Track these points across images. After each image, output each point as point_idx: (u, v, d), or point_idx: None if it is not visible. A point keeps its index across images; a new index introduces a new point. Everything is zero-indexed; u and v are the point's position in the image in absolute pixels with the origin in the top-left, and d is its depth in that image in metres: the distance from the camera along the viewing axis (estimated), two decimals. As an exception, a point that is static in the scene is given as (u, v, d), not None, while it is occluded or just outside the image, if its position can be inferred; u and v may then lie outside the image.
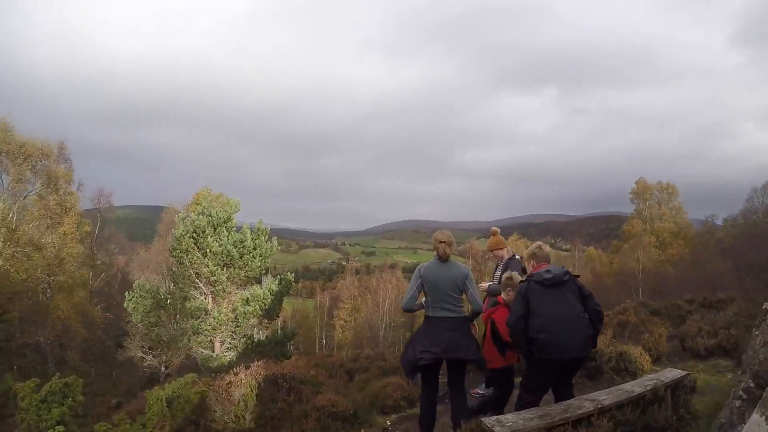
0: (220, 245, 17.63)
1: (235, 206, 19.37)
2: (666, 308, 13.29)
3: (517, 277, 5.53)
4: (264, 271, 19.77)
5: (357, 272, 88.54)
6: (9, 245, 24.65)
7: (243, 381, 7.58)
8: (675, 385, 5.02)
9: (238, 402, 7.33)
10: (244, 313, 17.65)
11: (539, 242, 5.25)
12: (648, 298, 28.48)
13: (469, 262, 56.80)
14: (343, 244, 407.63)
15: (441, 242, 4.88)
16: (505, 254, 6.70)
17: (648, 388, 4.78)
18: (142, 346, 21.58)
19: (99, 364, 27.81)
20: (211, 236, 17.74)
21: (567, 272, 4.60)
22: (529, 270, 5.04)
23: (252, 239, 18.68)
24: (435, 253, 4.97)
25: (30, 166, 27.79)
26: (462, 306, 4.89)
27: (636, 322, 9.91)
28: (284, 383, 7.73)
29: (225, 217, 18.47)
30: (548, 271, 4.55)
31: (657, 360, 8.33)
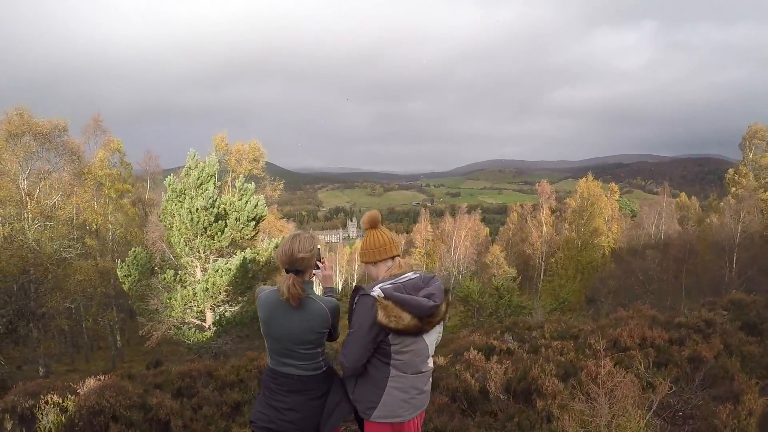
0: (188, 209, 15.54)
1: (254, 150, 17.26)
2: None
3: None
4: (249, 237, 16.96)
5: (440, 213, 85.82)
6: (37, 220, 26.81)
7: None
8: None
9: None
10: (205, 287, 15.76)
11: None
12: (742, 277, 23.03)
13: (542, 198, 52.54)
14: (428, 185, 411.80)
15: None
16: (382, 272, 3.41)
17: None
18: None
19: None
20: (189, 199, 15.78)
21: None
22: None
23: (229, 201, 16.50)
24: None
25: (51, 144, 29.34)
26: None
27: (716, 367, 5.63)
28: None
29: (205, 176, 16.16)
30: None
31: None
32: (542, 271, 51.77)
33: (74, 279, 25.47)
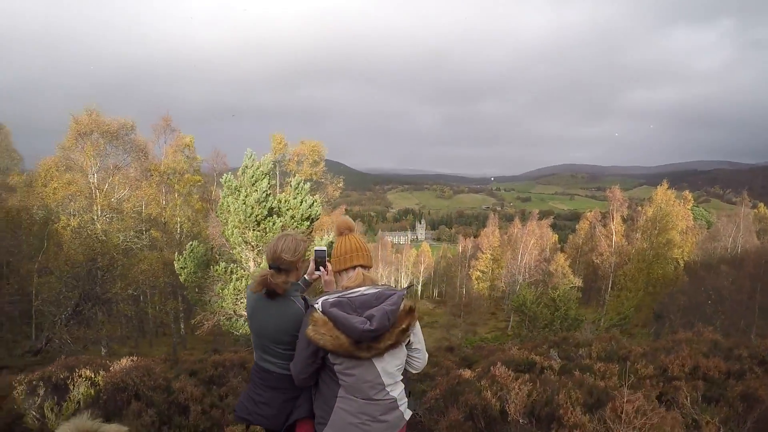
0: (243, 203, 16.02)
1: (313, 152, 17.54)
2: None
3: None
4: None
5: (510, 218, 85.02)
6: (105, 212, 28.68)
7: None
8: None
9: None
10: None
11: None
12: None
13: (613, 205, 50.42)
14: (498, 189, 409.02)
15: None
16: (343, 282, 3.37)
17: None
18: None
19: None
20: (243, 194, 16.14)
21: None
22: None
23: (284, 199, 16.74)
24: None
25: (120, 142, 31.00)
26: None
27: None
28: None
29: (260, 173, 16.43)
30: None
31: None
32: (610, 282, 49.99)
33: (138, 268, 26.66)
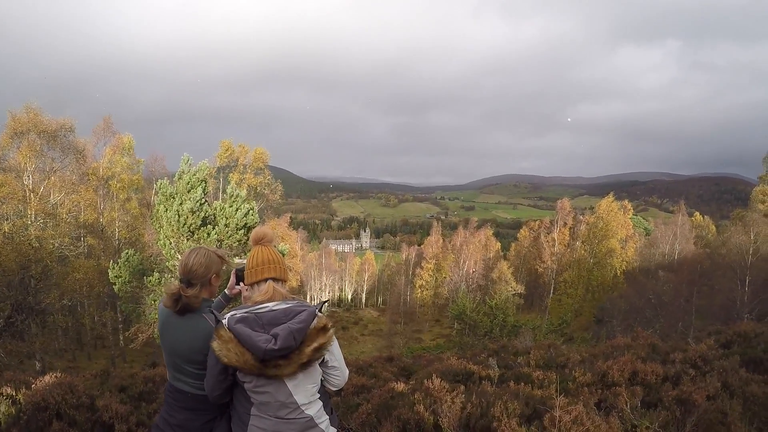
0: (176, 212, 15.37)
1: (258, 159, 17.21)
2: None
3: None
4: (241, 244, 16.49)
5: (454, 227, 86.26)
6: (39, 217, 27.24)
7: None
8: None
9: None
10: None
11: None
12: (755, 299, 22.17)
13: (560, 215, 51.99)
14: (443, 198, 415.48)
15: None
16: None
17: None
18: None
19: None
20: (177, 202, 15.54)
21: None
22: None
23: (220, 207, 16.11)
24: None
25: (58, 143, 29.49)
26: None
27: (711, 411, 4.96)
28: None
29: (195, 180, 15.99)
30: None
31: None
32: (552, 289, 50.95)
33: (73, 277, 25.48)
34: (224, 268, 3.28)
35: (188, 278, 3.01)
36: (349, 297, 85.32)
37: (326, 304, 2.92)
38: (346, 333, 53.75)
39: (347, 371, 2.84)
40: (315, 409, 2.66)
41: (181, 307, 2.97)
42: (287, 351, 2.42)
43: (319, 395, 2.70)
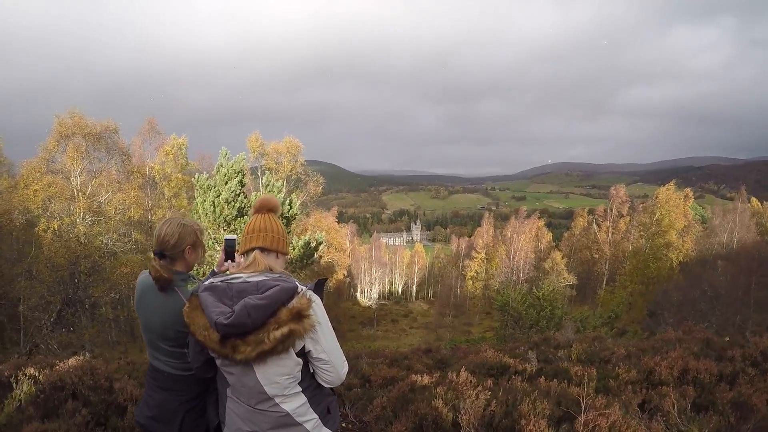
0: (212, 202, 15.64)
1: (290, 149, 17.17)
2: None
3: None
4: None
5: (505, 218, 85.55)
6: (87, 215, 28.13)
7: None
8: None
9: None
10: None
11: None
12: None
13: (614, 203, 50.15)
14: (493, 188, 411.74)
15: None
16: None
17: None
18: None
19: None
20: (214, 194, 15.85)
21: None
22: None
23: (256, 198, 15.76)
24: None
25: (103, 144, 30.72)
26: None
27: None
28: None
29: (232, 172, 16.20)
30: None
31: None
32: (605, 280, 49.49)
33: (120, 271, 26.27)
34: (204, 242, 3.16)
35: (160, 249, 2.89)
36: (399, 289, 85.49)
37: (324, 283, 2.48)
38: (395, 326, 53.75)
39: (344, 366, 2.44)
40: (294, 405, 2.32)
41: (156, 280, 2.85)
42: (240, 329, 2.10)
43: (302, 389, 2.34)
